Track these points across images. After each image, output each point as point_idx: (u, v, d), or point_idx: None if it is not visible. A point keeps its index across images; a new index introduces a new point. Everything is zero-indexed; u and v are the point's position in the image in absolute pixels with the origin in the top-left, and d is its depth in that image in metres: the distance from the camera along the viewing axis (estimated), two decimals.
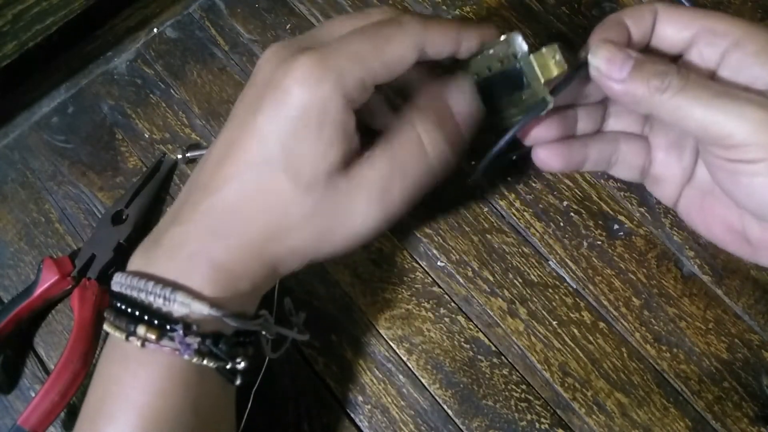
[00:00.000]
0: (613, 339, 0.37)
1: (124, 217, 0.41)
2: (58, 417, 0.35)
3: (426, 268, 0.39)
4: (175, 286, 0.26)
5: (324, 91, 0.26)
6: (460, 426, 0.36)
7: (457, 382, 0.37)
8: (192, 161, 0.43)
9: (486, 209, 0.40)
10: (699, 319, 0.37)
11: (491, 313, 0.38)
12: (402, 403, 0.37)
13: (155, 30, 0.47)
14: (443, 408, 0.36)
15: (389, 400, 0.37)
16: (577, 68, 0.29)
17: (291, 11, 0.47)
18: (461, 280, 0.39)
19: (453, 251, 0.39)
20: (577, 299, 0.38)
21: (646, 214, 0.39)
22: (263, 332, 0.30)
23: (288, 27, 0.46)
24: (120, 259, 0.40)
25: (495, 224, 0.40)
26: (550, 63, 0.28)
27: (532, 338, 0.37)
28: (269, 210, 0.27)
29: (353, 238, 0.29)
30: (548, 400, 0.36)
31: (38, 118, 0.45)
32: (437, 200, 0.40)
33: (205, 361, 0.27)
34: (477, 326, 0.38)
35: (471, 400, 0.36)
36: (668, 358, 0.36)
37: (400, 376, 0.37)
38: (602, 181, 0.40)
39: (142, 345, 0.26)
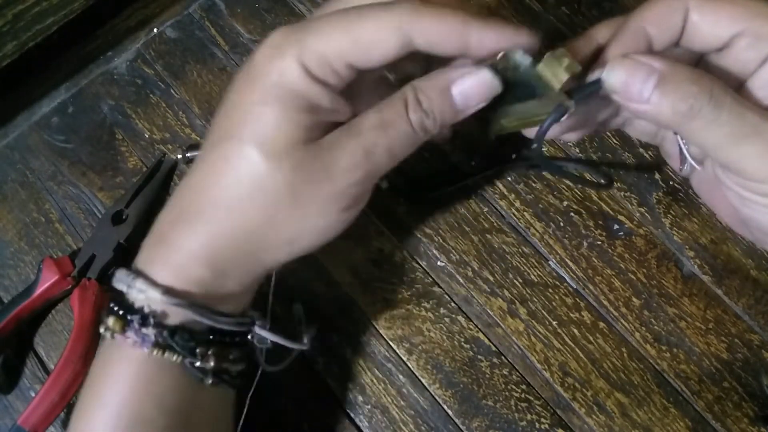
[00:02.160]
0: (613, 339, 0.37)
1: (124, 217, 0.40)
2: (58, 417, 0.35)
3: (426, 268, 0.39)
4: (138, 274, 0.26)
5: (283, 61, 0.25)
6: (460, 426, 0.36)
7: (457, 382, 0.37)
8: (192, 161, 0.43)
9: (486, 209, 0.40)
10: (699, 319, 0.37)
11: (491, 313, 0.38)
12: (402, 403, 0.37)
13: (155, 30, 0.47)
14: (443, 408, 0.36)
15: (389, 400, 0.37)
16: (590, 84, 0.26)
17: (291, 11, 0.47)
18: (461, 280, 0.39)
19: (453, 251, 0.39)
20: (577, 299, 0.38)
21: (646, 214, 0.39)
22: (250, 337, 0.29)
23: None
24: (120, 259, 0.40)
25: (495, 224, 0.40)
26: (558, 69, 0.25)
27: (532, 338, 0.37)
28: (241, 184, 0.25)
29: (336, 204, 0.27)
30: (548, 400, 0.36)
31: (38, 118, 0.45)
32: (437, 200, 0.40)
33: (166, 355, 0.26)
34: (477, 326, 0.38)
35: (471, 400, 0.36)
36: (668, 358, 0.36)
37: (400, 376, 0.37)
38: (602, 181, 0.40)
39: (112, 336, 0.26)
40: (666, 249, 0.38)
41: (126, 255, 0.40)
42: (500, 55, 0.26)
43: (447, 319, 0.38)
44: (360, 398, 0.37)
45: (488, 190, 0.40)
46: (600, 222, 0.39)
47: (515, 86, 0.26)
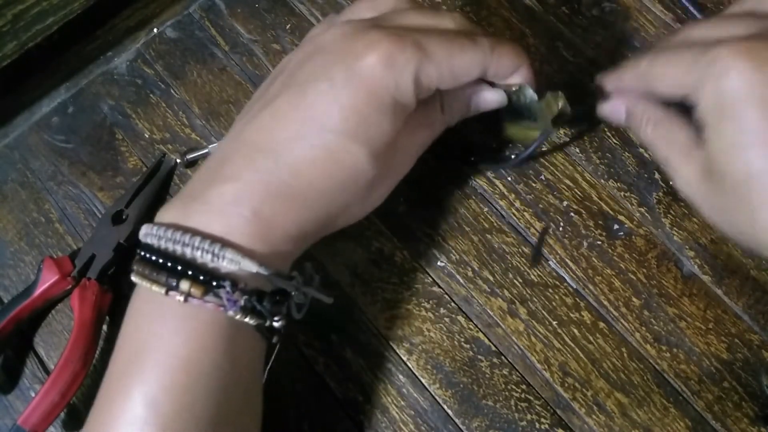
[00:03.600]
0: (613, 339, 0.37)
1: (124, 217, 0.41)
2: (58, 417, 0.35)
3: (426, 268, 0.39)
4: (224, 243, 0.26)
5: (404, 77, 0.27)
6: (460, 426, 0.36)
7: (457, 382, 0.37)
8: (192, 164, 0.43)
9: (486, 209, 0.40)
10: (699, 319, 0.37)
11: (491, 313, 0.38)
12: (402, 403, 0.37)
13: (155, 30, 0.47)
14: (443, 408, 0.36)
15: (389, 400, 0.37)
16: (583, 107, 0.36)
17: (291, 11, 0.47)
18: (461, 280, 0.39)
19: (453, 251, 0.39)
20: (577, 299, 0.38)
21: (646, 214, 0.39)
22: (293, 293, 0.30)
23: (288, 27, 0.46)
24: (120, 259, 0.40)
25: (495, 224, 0.40)
26: (553, 105, 0.34)
27: (532, 338, 0.37)
28: (340, 176, 0.28)
29: (386, 194, 0.33)
30: (548, 400, 0.36)
31: (38, 118, 0.45)
32: (437, 200, 0.40)
33: (247, 319, 0.27)
34: (477, 326, 0.38)
35: (471, 400, 0.36)
36: (668, 358, 0.36)
37: (400, 376, 0.37)
38: (602, 181, 0.40)
39: (185, 300, 0.26)
40: (666, 249, 0.38)
41: (126, 255, 0.40)
42: (516, 87, 0.33)
43: (447, 319, 0.38)
44: (360, 398, 0.37)
45: (488, 190, 0.40)
46: (600, 222, 0.39)
47: (521, 109, 0.35)
